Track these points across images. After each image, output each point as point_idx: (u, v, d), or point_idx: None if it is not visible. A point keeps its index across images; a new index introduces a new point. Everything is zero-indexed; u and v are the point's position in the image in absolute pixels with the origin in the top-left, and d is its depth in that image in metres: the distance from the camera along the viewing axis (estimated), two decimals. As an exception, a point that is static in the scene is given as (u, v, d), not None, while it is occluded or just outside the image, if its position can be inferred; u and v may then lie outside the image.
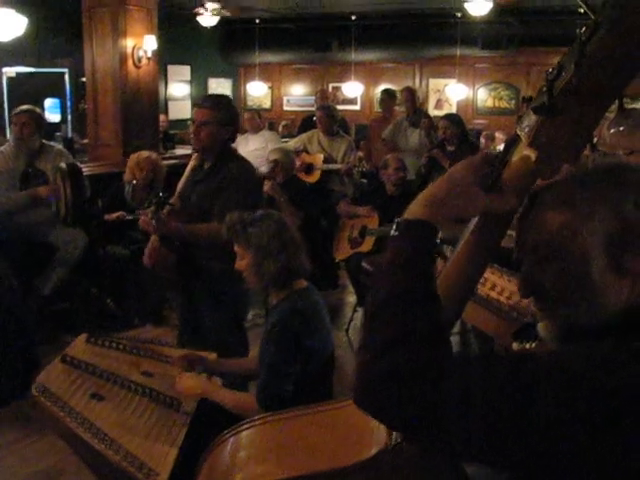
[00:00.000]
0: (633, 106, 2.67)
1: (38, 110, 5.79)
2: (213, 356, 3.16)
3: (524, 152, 1.15)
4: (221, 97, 4.10)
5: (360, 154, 8.34)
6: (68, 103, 12.85)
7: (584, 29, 1.05)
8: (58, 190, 5.22)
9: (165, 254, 3.80)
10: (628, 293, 1.12)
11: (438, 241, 1.17)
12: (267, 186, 5.90)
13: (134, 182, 5.65)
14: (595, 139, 2.58)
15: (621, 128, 2.67)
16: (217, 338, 3.75)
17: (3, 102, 11.66)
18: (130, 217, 5.56)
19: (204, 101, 3.85)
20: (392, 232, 1.19)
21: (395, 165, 5.94)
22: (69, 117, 12.59)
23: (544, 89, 1.09)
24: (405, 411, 1.03)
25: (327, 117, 7.04)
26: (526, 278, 1.21)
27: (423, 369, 1.02)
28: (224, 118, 3.74)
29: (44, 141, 5.68)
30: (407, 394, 1.01)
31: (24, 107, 5.69)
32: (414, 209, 1.18)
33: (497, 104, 13.73)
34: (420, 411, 1.02)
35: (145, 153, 5.78)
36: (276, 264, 2.77)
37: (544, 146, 1.12)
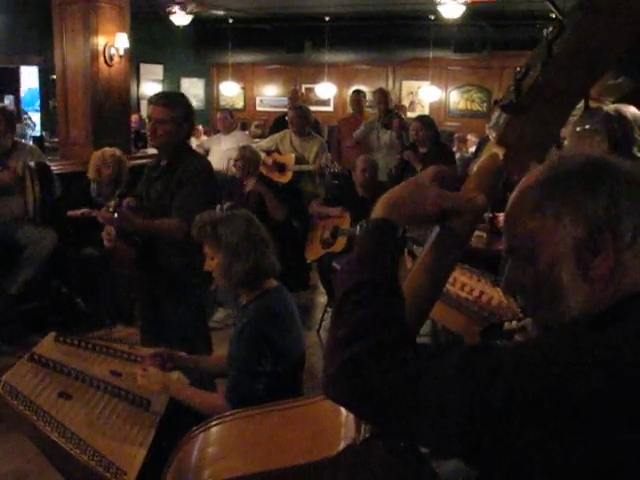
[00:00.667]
0: (598, 105, 2.70)
1: (10, 108, 5.73)
2: (182, 354, 3.15)
3: (492, 149, 1.16)
4: (176, 94, 4.17)
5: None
6: (37, 100, 12.75)
7: (550, 29, 1.07)
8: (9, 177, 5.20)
9: (124, 250, 3.78)
10: (597, 297, 1.13)
11: (400, 237, 1.20)
12: (250, 184, 5.90)
13: (98, 179, 5.61)
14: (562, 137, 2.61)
15: (578, 129, 2.70)
16: (179, 335, 3.74)
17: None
18: (95, 213, 5.52)
19: (159, 98, 3.82)
20: (357, 232, 1.23)
21: (361, 166, 5.97)
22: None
23: (512, 88, 1.10)
24: (368, 399, 1.05)
25: (299, 117, 7.03)
26: (508, 277, 1.23)
27: (383, 356, 1.04)
28: (180, 116, 3.75)
29: (16, 139, 5.63)
30: (368, 382, 1.04)
31: None
32: (377, 209, 1.23)
33: (469, 107, 13.83)
34: (382, 399, 1.04)
35: (109, 150, 5.74)
36: (246, 264, 2.76)
37: (512, 144, 1.13)
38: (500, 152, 1.14)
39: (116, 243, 3.72)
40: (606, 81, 2.82)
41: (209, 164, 4.07)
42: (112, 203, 3.63)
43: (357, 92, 8.93)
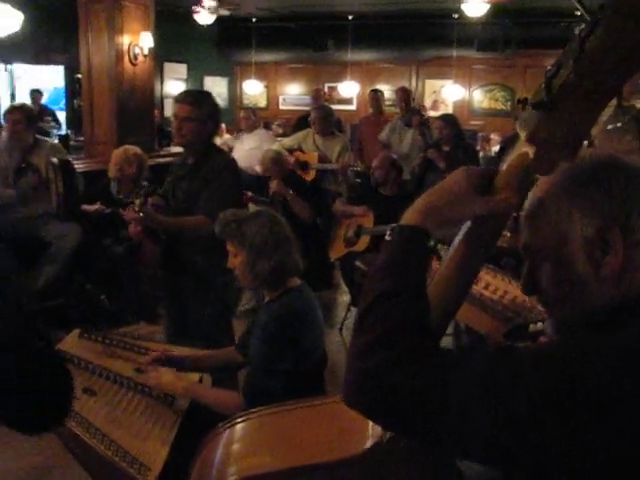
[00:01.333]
0: (630, 104, 2.67)
1: (30, 106, 5.79)
2: (196, 352, 3.15)
3: (522, 148, 1.15)
4: (201, 93, 4.13)
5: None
6: (63, 99, 12.84)
7: (583, 26, 1.06)
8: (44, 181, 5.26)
9: (149, 249, 3.80)
10: (609, 294, 1.13)
11: (432, 245, 1.18)
12: (274, 185, 5.91)
13: (119, 177, 5.65)
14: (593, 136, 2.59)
15: (618, 124, 2.67)
16: (204, 332, 3.75)
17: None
18: (108, 210, 5.57)
19: (185, 97, 3.81)
20: (387, 237, 1.21)
21: (375, 164, 5.97)
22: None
23: (543, 86, 1.09)
24: (391, 407, 1.05)
25: (322, 118, 7.02)
26: (526, 277, 1.23)
27: (407, 364, 1.04)
28: (206, 114, 3.74)
29: (37, 136, 5.69)
30: (391, 390, 1.04)
31: (16, 104, 5.70)
32: (409, 215, 1.21)
33: (493, 105, 13.76)
34: (405, 406, 1.04)
35: (132, 148, 5.77)
36: (270, 263, 2.75)
37: (542, 142, 1.12)
38: (530, 150, 1.13)
39: (143, 239, 3.74)
40: (637, 79, 2.79)
41: (234, 161, 4.07)
42: (137, 202, 3.63)
43: (374, 91, 8.93)
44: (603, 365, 0.99)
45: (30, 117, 5.56)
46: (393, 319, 1.09)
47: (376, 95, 8.69)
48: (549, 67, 1.11)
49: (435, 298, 1.22)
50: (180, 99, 3.81)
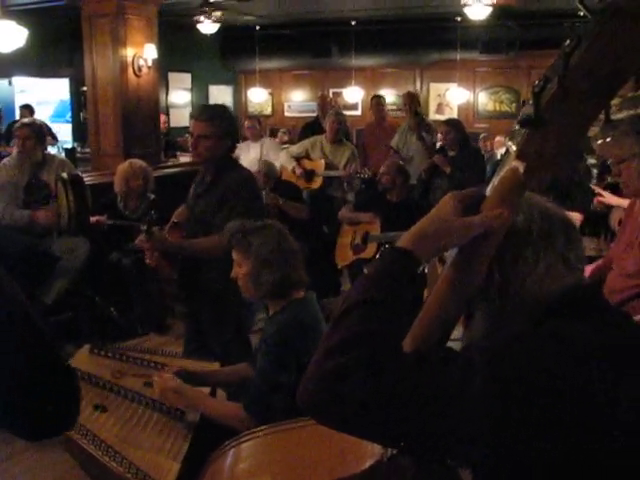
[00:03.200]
0: (619, 116, 2.67)
1: (39, 122, 5.83)
2: (211, 366, 3.17)
3: (513, 163, 1.16)
4: (218, 108, 4.04)
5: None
6: (69, 112, 12.90)
7: (568, 42, 1.07)
8: (53, 214, 5.30)
9: (167, 269, 3.82)
10: None
11: (420, 269, 1.21)
12: (264, 197, 5.94)
13: (125, 191, 5.68)
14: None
15: (608, 139, 2.68)
16: (221, 350, 3.75)
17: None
18: (110, 222, 5.59)
19: (201, 113, 3.77)
20: (379, 253, 1.26)
21: (382, 170, 5.98)
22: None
23: (530, 102, 1.11)
24: (339, 408, 1.08)
25: (339, 124, 7.05)
26: None
27: (365, 370, 1.06)
28: (223, 130, 3.69)
29: (47, 152, 5.73)
30: (340, 398, 1.06)
31: (25, 120, 5.74)
32: (404, 238, 1.23)
33: (498, 108, 13.75)
34: (354, 409, 1.06)
35: (137, 162, 5.79)
36: (274, 275, 2.77)
37: (532, 157, 1.13)
38: (520, 166, 1.14)
39: (159, 262, 3.75)
40: (626, 93, 2.80)
41: (252, 178, 3.99)
42: (144, 229, 3.64)
43: (377, 97, 8.94)
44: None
45: (39, 133, 5.60)
46: (368, 324, 1.12)
47: (378, 101, 8.69)
48: (536, 82, 1.12)
49: (435, 309, 1.25)
50: (196, 116, 3.78)
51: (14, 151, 5.60)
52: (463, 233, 1.21)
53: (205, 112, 3.80)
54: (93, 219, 5.61)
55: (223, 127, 3.71)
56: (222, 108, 4.04)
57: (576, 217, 4.67)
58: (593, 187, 4.99)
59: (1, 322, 1.25)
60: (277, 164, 7.09)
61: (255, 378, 2.76)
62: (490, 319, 1.30)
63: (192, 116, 3.87)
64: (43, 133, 5.73)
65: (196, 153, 3.75)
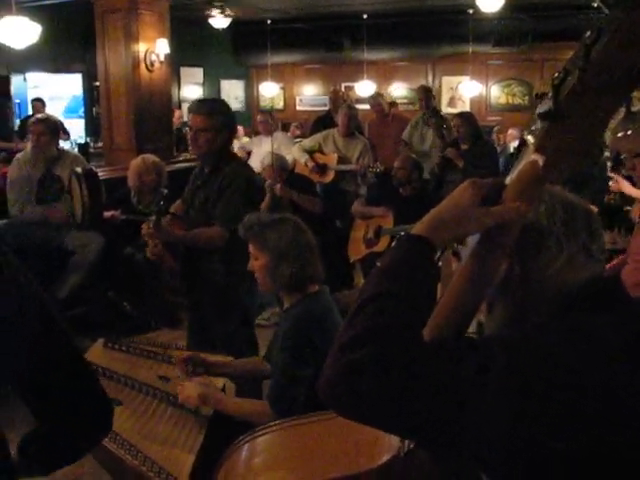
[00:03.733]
0: (638, 108, 2.65)
1: (54, 118, 5.86)
2: (224, 359, 3.17)
3: (532, 156, 1.15)
4: (216, 102, 4.15)
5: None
6: (82, 107, 12.94)
7: (588, 33, 1.05)
8: (64, 212, 5.34)
9: (170, 261, 3.85)
10: None
11: (437, 257, 1.20)
12: (278, 190, 5.95)
13: (139, 187, 5.69)
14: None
15: (629, 132, 2.66)
16: (225, 341, 3.79)
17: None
18: (123, 217, 5.62)
19: (199, 107, 3.84)
20: (393, 244, 1.23)
21: (397, 165, 5.96)
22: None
23: (550, 94, 1.09)
24: (358, 402, 1.07)
25: (352, 117, 7.04)
26: None
27: (390, 362, 1.05)
28: (220, 124, 3.77)
29: (61, 147, 5.76)
30: (361, 387, 1.05)
31: (40, 116, 5.77)
32: (419, 226, 1.22)
33: (511, 100, 13.69)
34: (375, 402, 1.06)
35: (149, 157, 5.81)
36: (291, 268, 2.77)
37: (551, 151, 1.12)
38: (540, 159, 1.13)
39: (162, 254, 3.79)
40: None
41: (249, 170, 4.10)
42: (152, 219, 3.70)
43: (372, 97, 8.90)
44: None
45: (54, 129, 5.63)
46: (385, 317, 1.10)
47: (376, 100, 8.60)
48: (556, 74, 1.11)
49: (452, 302, 1.24)
50: (194, 110, 3.86)
51: (28, 146, 5.63)
52: (480, 222, 1.19)
53: (203, 106, 3.87)
54: (107, 214, 5.63)
55: (221, 120, 3.78)
56: (219, 102, 4.19)
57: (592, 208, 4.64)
58: (610, 174, 4.96)
59: (21, 320, 1.25)
60: (289, 158, 7.09)
61: (274, 374, 2.77)
62: (510, 309, 1.29)
63: (190, 110, 3.94)
64: (57, 129, 5.77)
65: (195, 146, 3.83)
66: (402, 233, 1.25)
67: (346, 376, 1.07)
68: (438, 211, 1.22)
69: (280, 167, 6.13)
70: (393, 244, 1.23)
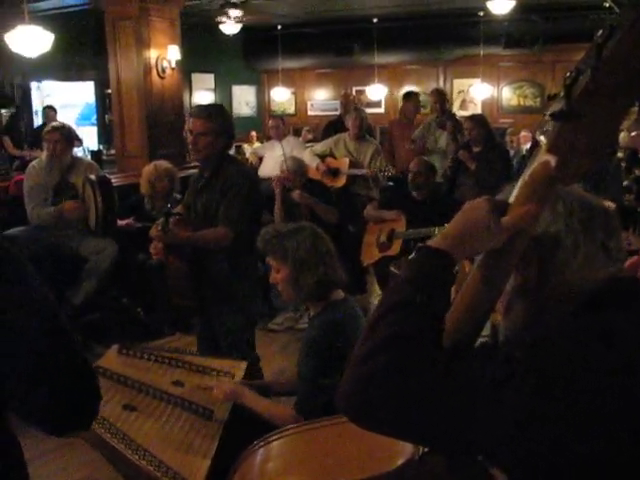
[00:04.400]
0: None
1: (68, 126, 5.90)
2: (240, 365, 3.18)
3: (544, 157, 1.14)
4: (215, 107, 4.21)
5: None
6: (94, 114, 13.01)
7: (600, 32, 1.05)
8: (81, 206, 5.35)
9: (176, 263, 3.87)
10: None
11: (455, 271, 1.20)
12: (296, 196, 5.94)
13: (152, 193, 5.71)
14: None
15: None
16: (229, 343, 3.87)
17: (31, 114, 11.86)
18: (139, 225, 5.63)
19: (199, 112, 3.90)
20: (412, 255, 1.23)
21: (414, 168, 5.93)
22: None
23: (562, 94, 1.09)
24: (376, 413, 1.07)
25: (360, 122, 7.02)
26: None
27: (410, 370, 1.05)
28: (219, 128, 3.82)
29: (75, 155, 5.79)
30: (392, 395, 1.05)
31: (55, 124, 5.80)
32: (438, 239, 1.22)
33: (522, 102, 13.65)
34: (405, 412, 1.05)
35: (162, 163, 5.83)
36: (313, 277, 2.76)
37: (564, 151, 1.11)
38: (552, 160, 1.12)
39: (165, 256, 3.82)
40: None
41: (250, 172, 4.20)
42: (160, 221, 3.76)
43: (409, 94, 8.82)
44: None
45: (69, 137, 5.67)
46: (404, 326, 1.11)
47: (416, 99, 8.52)
48: (568, 74, 1.10)
49: (464, 305, 1.24)
50: (194, 114, 3.92)
51: (43, 154, 5.66)
52: (498, 237, 1.20)
53: (203, 110, 3.93)
54: (122, 222, 5.65)
55: (220, 125, 3.83)
56: (218, 106, 4.23)
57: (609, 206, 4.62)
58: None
59: (28, 321, 1.26)
60: (302, 163, 7.10)
61: (301, 381, 2.77)
62: (528, 310, 1.28)
63: (190, 115, 4.01)
64: (72, 136, 5.81)
65: (195, 150, 3.87)
66: (415, 238, 1.25)
67: (365, 386, 1.06)
68: (457, 227, 1.23)
69: (296, 171, 6.11)
70: (413, 255, 1.22)
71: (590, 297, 1.22)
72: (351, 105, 8.83)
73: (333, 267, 2.83)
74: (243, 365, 3.22)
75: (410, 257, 1.22)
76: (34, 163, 5.74)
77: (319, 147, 7.39)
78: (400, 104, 9.21)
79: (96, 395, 1.40)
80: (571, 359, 1.07)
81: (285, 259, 2.79)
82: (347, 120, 7.31)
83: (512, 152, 9.36)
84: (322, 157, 7.06)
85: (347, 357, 2.60)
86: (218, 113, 3.91)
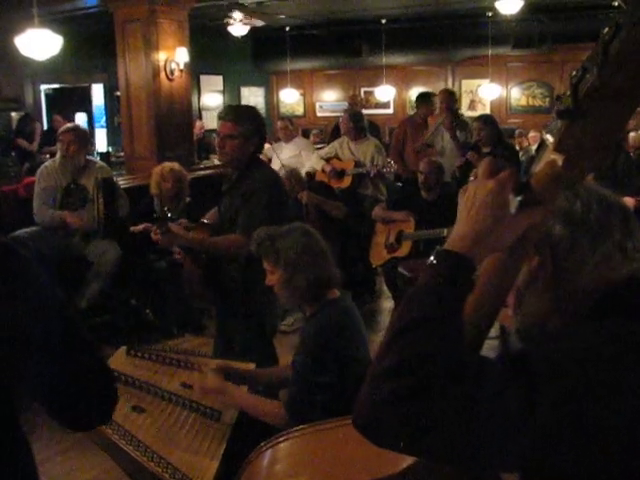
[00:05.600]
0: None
1: (83, 127, 5.92)
2: (249, 366, 3.17)
3: (551, 156, 1.13)
4: (245, 108, 4.09)
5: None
6: (103, 117, 13.07)
7: (606, 30, 1.04)
8: (83, 218, 5.44)
9: (191, 267, 3.85)
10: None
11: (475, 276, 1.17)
12: (304, 197, 5.98)
13: (160, 194, 5.72)
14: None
15: None
16: (245, 349, 3.77)
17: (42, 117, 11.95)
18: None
19: (227, 114, 3.79)
20: (430, 259, 1.16)
21: (425, 169, 5.91)
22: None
23: (568, 93, 1.08)
24: (398, 432, 1.03)
25: (349, 122, 7.00)
26: None
27: (435, 393, 1.01)
28: (249, 131, 3.70)
29: (88, 157, 5.82)
30: (416, 417, 1.01)
31: (70, 125, 5.82)
32: (455, 242, 1.15)
33: (531, 102, 13.62)
34: (429, 435, 1.02)
35: (168, 165, 5.82)
36: (306, 277, 2.75)
37: (571, 150, 1.10)
38: (559, 158, 1.11)
39: (183, 258, 3.79)
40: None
41: (274, 178, 3.98)
42: (157, 224, 3.68)
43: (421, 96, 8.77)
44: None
45: (83, 139, 5.69)
46: (426, 346, 1.05)
47: (432, 100, 8.45)
48: (574, 72, 1.09)
49: (474, 301, 1.22)
50: (222, 116, 3.80)
51: (57, 155, 5.68)
52: (516, 233, 1.15)
53: (232, 112, 3.82)
54: (139, 227, 5.63)
55: (249, 127, 3.71)
56: (249, 108, 4.09)
57: (629, 202, 4.60)
58: None
59: (45, 322, 1.27)
60: (308, 165, 7.11)
61: (294, 379, 2.76)
62: (542, 307, 1.25)
63: (219, 117, 3.87)
64: (87, 138, 5.83)
65: (222, 153, 3.78)
66: (423, 239, 1.23)
67: (388, 406, 1.02)
68: (474, 225, 1.15)
69: (295, 178, 6.18)
70: (431, 260, 1.16)
71: (605, 298, 1.19)
72: (357, 106, 8.82)
73: (326, 267, 2.81)
74: (252, 367, 3.22)
75: (428, 262, 1.16)
76: (46, 164, 5.78)
77: (324, 152, 7.39)
78: (410, 105, 9.16)
79: (113, 391, 1.44)
80: (589, 371, 1.04)
81: (278, 261, 2.79)
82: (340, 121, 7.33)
83: (521, 153, 9.33)
84: (328, 160, 7.06)
85: (341, 356, 2.61)
86: (247, 115, 3.79)
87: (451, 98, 7.91)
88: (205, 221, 4.11)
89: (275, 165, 7.45)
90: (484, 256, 1.16)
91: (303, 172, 7.03)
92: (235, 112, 3.83)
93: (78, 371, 1.34)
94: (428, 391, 1.01)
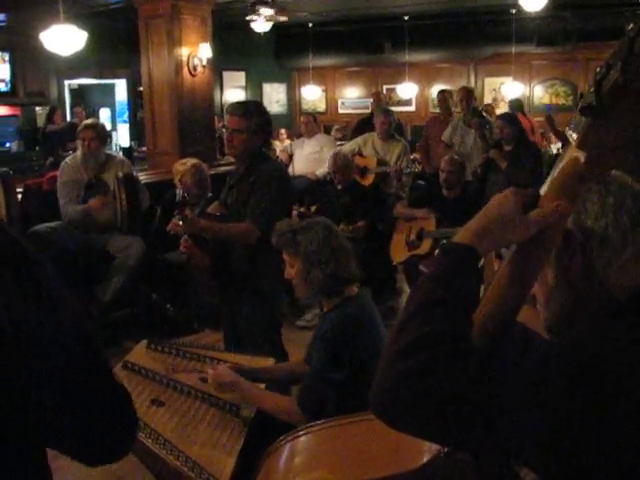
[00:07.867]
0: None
1: (102, 124, 5.97)
2: (266, 362, 3.17)
3: (573, 154, 1.13)
4: (253, 104, 4.16)
5: (416, 156, 8.27)
6: (126, 112, 13.17)
7: (631, 26, 1.03)
8: (107, 202, 5.42)
9: (200, 258, 3.86)
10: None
11: (480, 265, 1.18)
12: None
13: (183, 189, 5.73)
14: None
15: None
16: (254, 341, 3.82)
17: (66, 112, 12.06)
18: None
19: (236, 108, 3.89)
20: (437, 252, 1.23)
21: (446, 168, 5.89)
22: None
23: (592, 89, 1.07)
24: (426, 413, 1.05)
25: (386, 122, 7.02)
26: None
27: (446, 368, 1.04)
28: (256, 125, 3.80)
29: (108, 152, 5.86)
30: (428, 392, 1.03)
31: (89, 122, 5.86)
32: (463, 234, 1.21)
33: (554, 101, 13.49)
34: (441, 411, 1.04)
35: (189, 160, 5.86)
36: (324, 272, 2.75)
37: (593, 147, 1.10)
38: (581, 156, 1.10)
39: (193, 250, 3.81)
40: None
41: (282, 170, 4.14)
42: (176, 211, 3.72)
43: (443, 92, 8.76)
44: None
45: (103, 135, 5.75)
46: (434, 325, 1.09)
47: (444, 95, 8.51)
48: (598, 69, 1.09)
49: (493, 302, 1.22)
50: (230, 110, 3.93)
51: (78, 151, 5.72)
52: (526, 231, 1.18)
53: (240, 107, 3.91)
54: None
55: (257, 122, 3.81)
56: (255, 103, 4.21)
57: None
58: None
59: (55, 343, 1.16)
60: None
61: (309, 374, 2.76)
62: (569, 303, 1.24)
63: (227, 111, 4.01)
64: (106, 134, 5.89)
65: (230, 146, 3.89)
66: (444, 241, 1.24)
67: (394, 386, 1.05)
68: (482, 220, 1.21)
69: (349, 169, 6.36)
70: (438, 252, 1.21)
71: (635, 297, 1.17)
72: (382, 104, 8.79)
73: (345, 263, 2.81)
74: (270, 362, 3.23)
75: (436, 254, 1.21)
76: (67, 160, 5.83)
77: (348, 146, 7.40)
78: (432, 103, 9.14)
79: (133, 420, 1.29)
80: (611, 374, 1.04)
81: (297, 254, 2.81)
82: (375, 120, 7.31)
83: (544, 150, 9.25)
84: (350, 156, 7.05)
85: (357, 353, 2.61)
86: (254, 110, 3.87)
87: (470, 95, 7.88)
88: (210, 212, 4.15)
89: (298, 160, 7.47)
90: (487, 249, 1.20)
91: (322, 170, 7.05)
92: (243, 107, 3.92)
93: (92, 394, 1.20)
94: (442, 366, 1.03)
